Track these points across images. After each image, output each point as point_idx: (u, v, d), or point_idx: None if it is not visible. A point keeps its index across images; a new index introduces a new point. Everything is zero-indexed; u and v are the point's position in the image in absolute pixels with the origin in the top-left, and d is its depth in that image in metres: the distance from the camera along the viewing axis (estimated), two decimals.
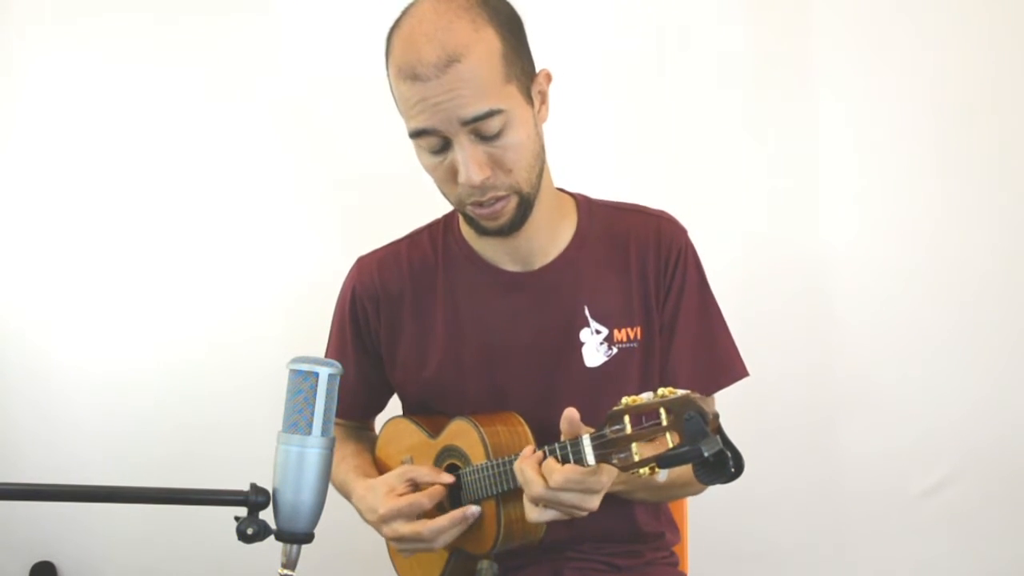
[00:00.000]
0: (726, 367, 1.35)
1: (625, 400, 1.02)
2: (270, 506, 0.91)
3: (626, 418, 1.01)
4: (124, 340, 2.12)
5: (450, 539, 1.25)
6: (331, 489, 0.98)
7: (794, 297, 2.01)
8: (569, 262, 1.33)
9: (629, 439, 1.01)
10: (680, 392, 0.97)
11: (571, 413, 1.09)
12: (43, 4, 2.07)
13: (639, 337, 1.31)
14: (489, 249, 1.35)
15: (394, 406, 1.51)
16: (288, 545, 0.92)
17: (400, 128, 1.21)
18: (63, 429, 2.12)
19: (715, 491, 1.19)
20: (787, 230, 2.02)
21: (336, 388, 0.94)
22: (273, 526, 0.92)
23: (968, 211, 1.96)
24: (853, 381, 2.01)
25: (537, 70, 1.23)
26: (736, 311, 1.42)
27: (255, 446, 1.25)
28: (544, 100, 1.25)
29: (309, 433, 0.92)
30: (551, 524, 1.16)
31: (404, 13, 1.18)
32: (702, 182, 2.00)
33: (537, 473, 1.10)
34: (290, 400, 0.93)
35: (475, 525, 1.27)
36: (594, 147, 1.99)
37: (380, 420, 1.51)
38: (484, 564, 1.18)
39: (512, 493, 1.21)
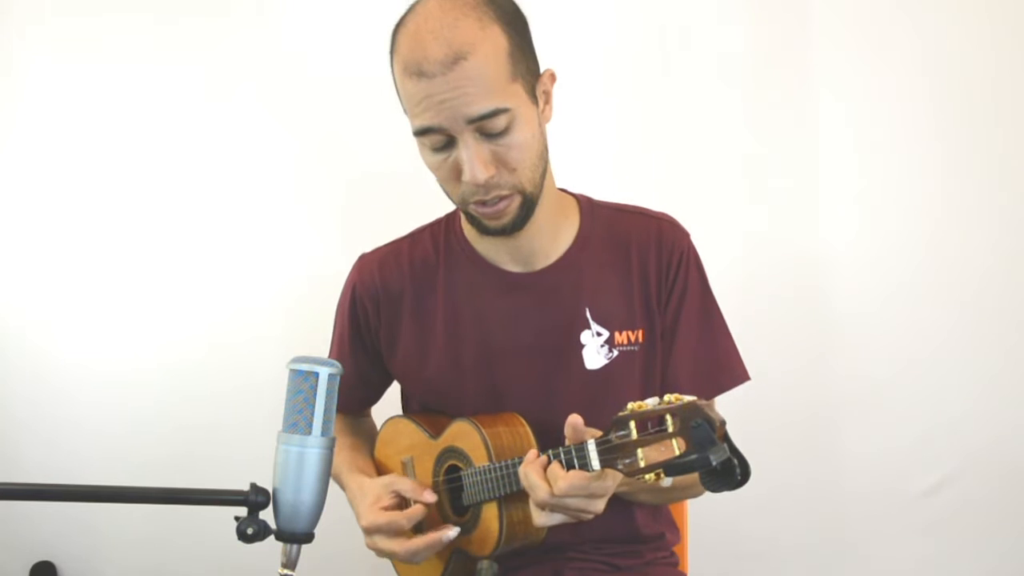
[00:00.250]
0: (727, 370, 1.35)
1: (631, 405, 1.01)
2: (270, 506, 0.92)
3: (632, 423, 1.01)
4: (124, 340, 2.12)
5: (428, 556, 1.26)
6: (331, 489, 0.98)
7: (794, 297, 2.01)
8: (571, 263, 1.33)
9: (635, 444, 1.00)
10: (687, 398, 0.97)
11: (575, 420, 1.09)
12: (43, 4, 2.07)
13: (640, 340, 1.31)
14: (491, 249, 1.34)
15: (395, 405, 1.51)
16: (288, 545, 0.93)
17: (400, 127, 1.21)
18: (64, 429, 2.12)
19: None
20: (787, 230, 2.01)
21: (336, 388, 0.94)
22: (273, 526, 0.92)
23: (968, 211, 1.96)
24: (853, 381, 2.01)
25: (541, 70, 1.23)
26: (736, 311, 1.42)
27: (255, 446, 1.25)
28: (548, 100, 1.25)
29: (309, 433, 0.92)
30: (552, 526, 1.15)
31: (410, 10, 1.17)
32: (702, 182, 2.00)
33: (542, 478, 1.10)
34: (290, 400, 0.93)
35: (477, 527, 1.28)
36: (594, 147, 1.99)
37: (380, 419, 1.51)
38: (484, 564, 1.18)
39: (515, 495, 1.21)
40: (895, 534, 2.02)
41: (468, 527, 1.30)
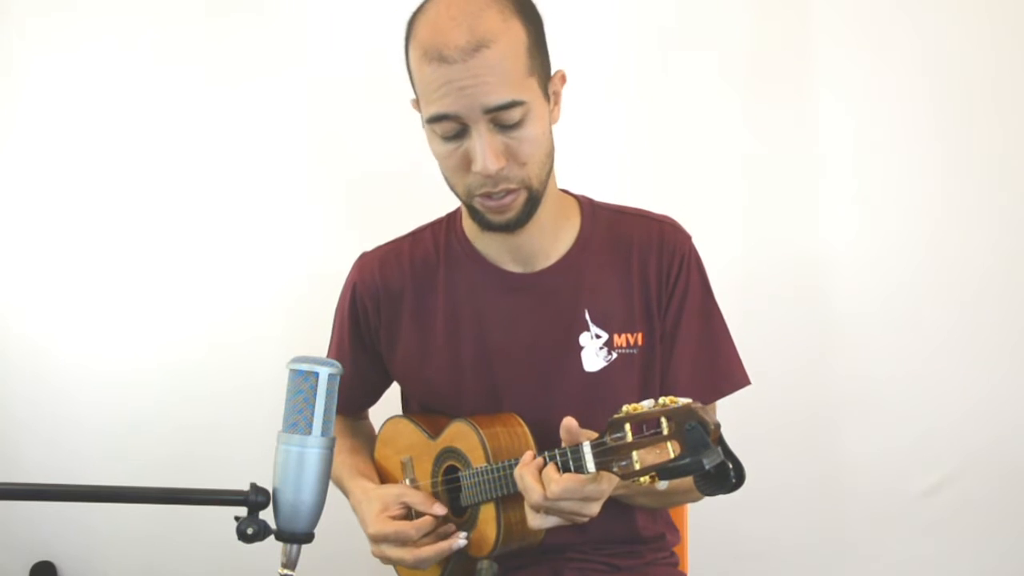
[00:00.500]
0: (727, 375, 1.34)
1: (626, 408, 1.01)
2: (270, 506, 0.92)
3: (627, 426, 1.01)
4: (125, 340, 2.12)
5: (434, 562, 1.26)
6: (331, 489, 0.98)
7: (794, 296, 2.01)
8: (571, 265, 1.33)
9: (630, 447, 1.00)
10: (682, 401, 0.97)
11: (570, 423, 1.09)
12: (43, 3, 2.07)
13: (640, 343, 1.31)
14: (492, 249, 1.34)
15: (395, 405, 1.51)
16: (288, 545, 0.93)
17: (402, 127, 1.21)
18: (64, 429, 2.12)
19: None
20: (787, 230, 2.01)
21: (336, 388, 0.94)
22: (273, 526, 0.92)
23: (968, 211, 1.96)
24: (853, 381, 2.01)
25: (552, 71, 1.24)
26: (736, 311, 1.42)
27: (255, 446, 1.25)
28: (557, 101, 1.25)
29: (309, 433, 0.92)
30: (551, 527, 1.15)
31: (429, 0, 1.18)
32: (702, 182, 2.00)
33: (536, 480, 1.10)
34: (290, 400, 0.93)
35: (475, 528, 1.28)
36: (593, 147, 1.99)
37: (380, 419, 1.51)
38: (484, 564, 1.18)
39: (512, 496, 1.21)
40: (895, 534, 2.02)
41: (466, 528, 1.30)
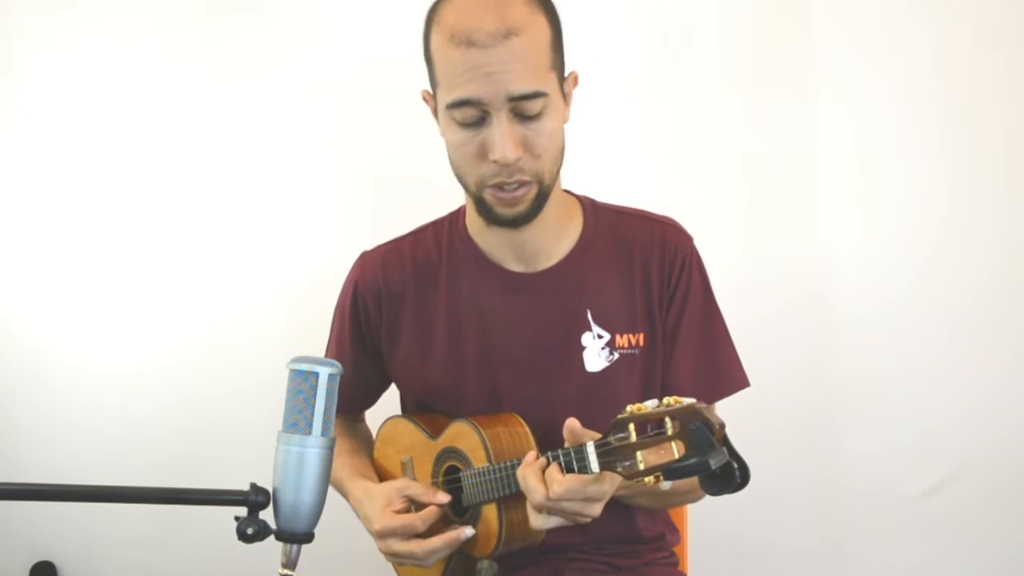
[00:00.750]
0: (727, 376, 1.35)
1: (630, 408, 1.01)
2: (270, 506, 0.91)
3: (631, 426, 1.00)
4: (124, 340, 2.12)
5: (443, 555, 1.26)
6: (331, 489, 0.98)
7: (794, 297, 2.01)
8: (573, 265, 1.33)
9: (634, 447, 1.00)
10: (686, 401, 0.96)
11: (573, 424, 1.09)
12: (43, 3, 2.07)
13: (641, 343, 1.31)
14: (495, 248, 1.34)
15: (394, 405, 1.51)
16: (288, 545, 0.93)
17: (403, 127, 1.21)
18: (63, 429, 2.12)
19: None
20: (787, 231, 2.01)
21: (336, 388, 0.94)
22: (273, 526, 0.92)
23: (970, 212, 1.96)
24: (853, 381, 2.01)
25: (566, 72, 1.25)
26: (736, 311, 1.42)
27: (255, 446, 1.25)
28: (569, 101, 1.26)
29: (309, 433, 0.92)
30: (553, 528, 1.15)
31: None
32: (702, 182, 2.00)
33: (539, 481, 1.10)
34: (290, 400, 0.93)
35: (477, 528, 1.27)
36: (593, 146, 1.99)
37: (380, 419, 1.51)
38: (484, 564, 1.18)
39: (514, 496, 1.21)
40: (895, 535, 2.02)
41: None
